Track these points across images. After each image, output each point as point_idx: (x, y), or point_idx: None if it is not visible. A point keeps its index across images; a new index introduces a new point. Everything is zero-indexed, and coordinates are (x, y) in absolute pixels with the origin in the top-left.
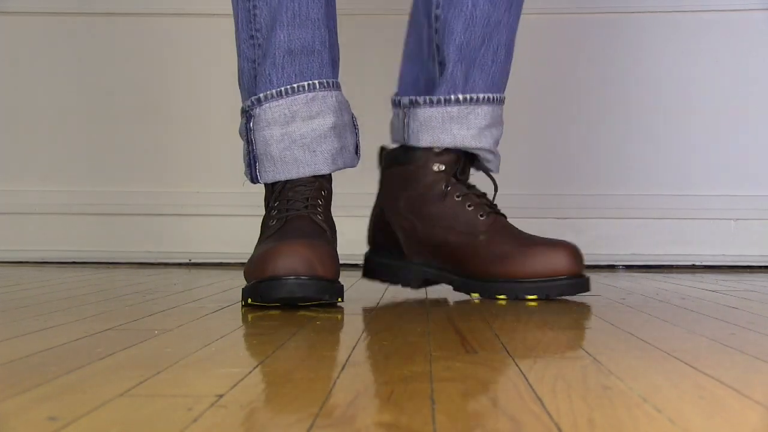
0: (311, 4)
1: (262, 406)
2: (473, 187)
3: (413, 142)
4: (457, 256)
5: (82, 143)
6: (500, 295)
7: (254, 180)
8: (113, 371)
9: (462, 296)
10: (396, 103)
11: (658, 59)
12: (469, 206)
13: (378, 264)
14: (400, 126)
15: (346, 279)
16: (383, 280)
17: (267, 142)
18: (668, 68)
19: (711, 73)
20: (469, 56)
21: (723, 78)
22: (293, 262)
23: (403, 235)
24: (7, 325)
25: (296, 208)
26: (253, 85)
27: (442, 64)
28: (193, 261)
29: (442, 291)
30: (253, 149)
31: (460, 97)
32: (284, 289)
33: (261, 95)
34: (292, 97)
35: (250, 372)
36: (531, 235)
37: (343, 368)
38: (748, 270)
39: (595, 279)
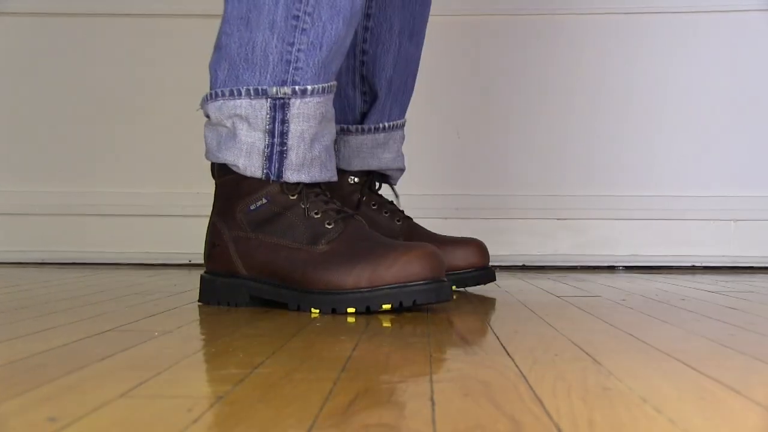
0: (358, 3)
1: (262, 406)
2: (384, 198)
3: (344, 166)
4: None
5: (83, 144)
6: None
7: (273, 177)
8: (113, 372)
9: (461, 297)
10: None
11: (658, 60)
12: (385, 213)
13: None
14: None
15: None
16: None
17: (303, 139)
18: (668, 69)
19: (711, 74)
20: (394, 89)
21: (723, 78)
22: (440, 265)
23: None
24: (7, 326)
25: (344, 210)
26: (284, 69)
27: (367, 94)
28: (193, 261)
29: None
30: (282, 141)
31: (387, 125)
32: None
33: (309, 87)
34: (329, 96)
35: (250, 373)
36: (441, 235)
37: (343, 368)
38: (748, 270)
39: (595, 279)
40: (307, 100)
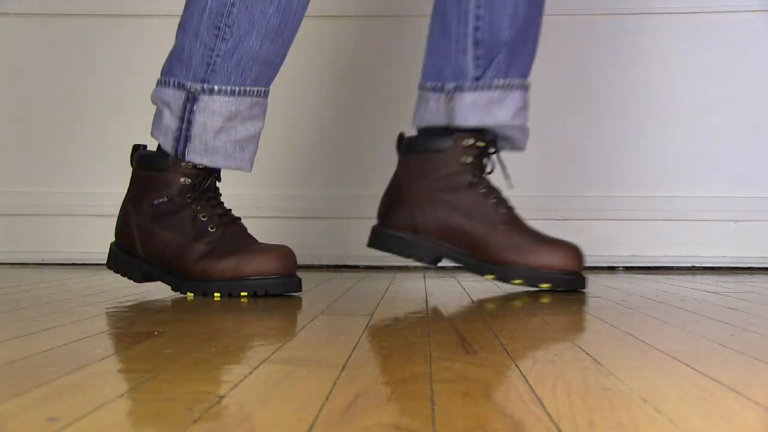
0: (287, 23)
1: (262, 406)
2: (495, 186)
3: (459, 123)
4: (474, 241)
5: (82, 144)
6: (518, 279)
7: (179, 156)
8: (113, 372)
9: (462, 297)
10: (436, 89)
11: (657, 60)
12: (492, 199)
13: (389, 236)
14: (439, 110)
15: (345, 280)
16: (393, 251)
17: (205, 129)
18: (668, 70)
19: (711, 74)
20: (512, 48)
21: (722, 79)
22: (291, 263)
23: (422, 213)
24: (7, 326)
25: (229, 215)
26: (204, 70)
27: (481, 58)
28: None
29: (442, 292)
30: (187, 128)
31: (501, 82)
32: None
33: (215, 87)
34: (242, 98)
35: (250, 372)
36: (541, 232)
37: (343, 368)
38: (748, 271)
39: (595, 280)
40: (213, 97)
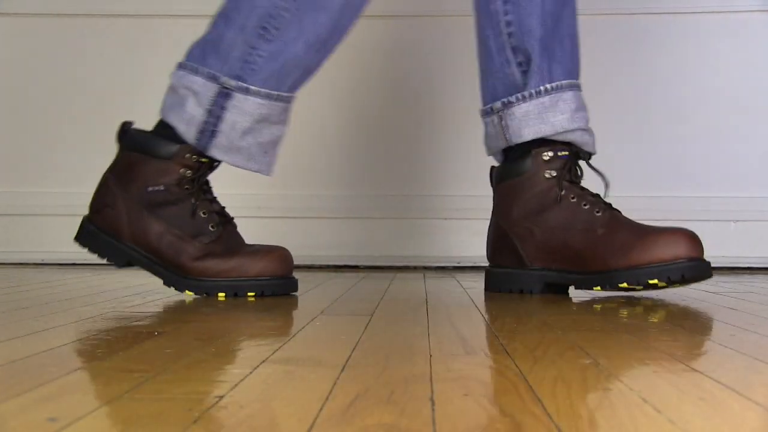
0: (335, 35)
1: (262, 406)
2: (585, 188)
3: (516, 140)
4: (577, 254)
5: (82, 144)
6: (622, 283)
7: (201, 148)
8: (113, 372)
9: (461, 297)
10: (488, 112)
11: (658, 60)
12: (584, 205)
13: (498, 275)
14: (497, 132)
15: (345, 280)
16: (505, 290)
17: (234, 127)
18: (667, 69)
19: (711, 74)
20: (548, 48)
21: (722, 78)
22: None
23: (521, 242)
24: (8, 326)
25: (224, 213)
26: (240, 66)
27: (522, 64)
28: None
29: (442, 292)
30: (215, 123)
31: (548, 86)
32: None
33: (251, 87)
34: (275, 102)
35: (250, 372)
36: (647, 225)
37: (343, 368)
38: (748, 271)
39: None
40: (248, 97)
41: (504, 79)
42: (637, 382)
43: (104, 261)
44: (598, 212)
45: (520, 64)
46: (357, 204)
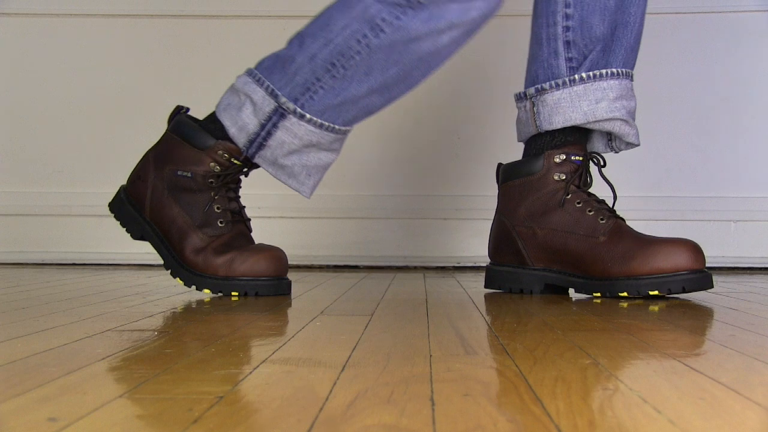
0: (401, 86)
1: (262, 406)
2: (593, 194)
3: (546, 126)
4: (578, 259)
5: (83, 144)
6: (622, 292)
7: (248, 156)
8: (113, 372)
9: (461, 297)
10: (521, 97)
11: (658, 60)
12: (589, 211)
13: (499, 273)
14: (527, 118)
15: (345, 280)
16: (505, 288)
17: (282, 145)
18: (667, 69)
19: (710, 74)
20: (607, 45)
21: (722, 79)
22: (282, 266)
23: (524, 242)
24: (7, 326)
25: (241, 214)
26: (302, 92)
27: (573, 60)
28: None
29: (442, 292)
30: (265, 137)
31: (584, 75)
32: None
33: (307, 114)
34: (327, 133)
35: (250, 372)
36: (650, 235)
37: (343, 368)
38: (748, 271)
39: None
40: (301, 123)
41: (548, 68)
42: (637, 382)
43: (124, 230)
44: (602, 219)
45: (569, 59)
46: (357, 204)
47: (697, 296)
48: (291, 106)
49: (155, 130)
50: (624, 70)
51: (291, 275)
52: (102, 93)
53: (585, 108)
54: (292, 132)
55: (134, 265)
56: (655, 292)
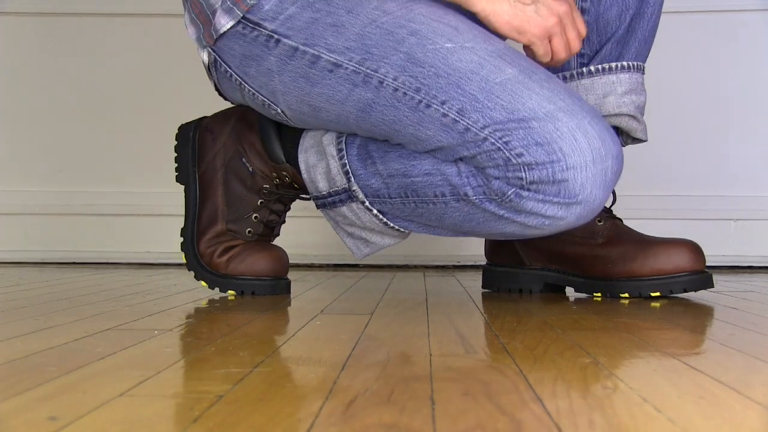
0: (471, 231)
1: (262, 405)
2: None
3: None
4: (576, 261)
5: (83, 144)
6: (623, 293)
7: (317, 204)
8: (113, 371)
9: (461, 296)
10: None
11: (657, 60)
12: None
13: (497, 273)
14: None
15: (345, 280)
16: (504, 288)
17: (345, 218)
18: (667, 69)
19: (710, 74)
20: (621, 40)
21: (722, 78)
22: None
23: (520, 243)
24: (7, 325)
25: (271, 230)
26: (375, 192)
27: (584, 56)
28: None
29: (442, 292)
30: (332, 203)
31: (592, 68)
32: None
33: (374, 210)
34: (391, 230)
35: (250, 372)
36: (649, 236)
37: (343, 368)
38: (748, 270)
39: None
40: (367, 214)
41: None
42: (637, 381)
43: (174, 168)
44: (599, 222)
45: (581, 55)
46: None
47: (697, 295)
48: (361, 196)
49: (156, 129)
50: (636, 63)
51: (291, 274)
52: (102, 92)
53: (591, 102)
54: (357, 215)
55: (134, 264)
56: (657, 294)
